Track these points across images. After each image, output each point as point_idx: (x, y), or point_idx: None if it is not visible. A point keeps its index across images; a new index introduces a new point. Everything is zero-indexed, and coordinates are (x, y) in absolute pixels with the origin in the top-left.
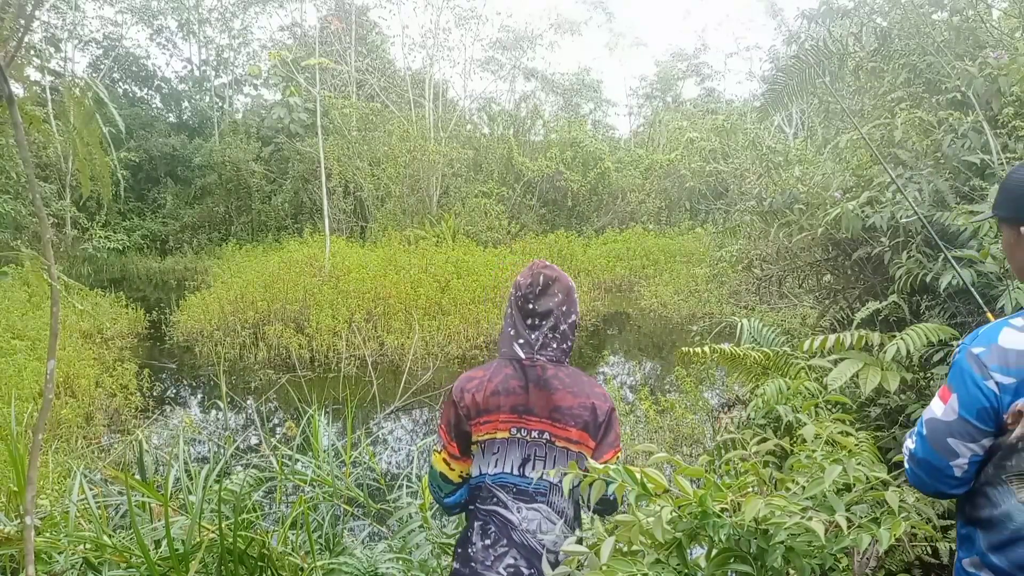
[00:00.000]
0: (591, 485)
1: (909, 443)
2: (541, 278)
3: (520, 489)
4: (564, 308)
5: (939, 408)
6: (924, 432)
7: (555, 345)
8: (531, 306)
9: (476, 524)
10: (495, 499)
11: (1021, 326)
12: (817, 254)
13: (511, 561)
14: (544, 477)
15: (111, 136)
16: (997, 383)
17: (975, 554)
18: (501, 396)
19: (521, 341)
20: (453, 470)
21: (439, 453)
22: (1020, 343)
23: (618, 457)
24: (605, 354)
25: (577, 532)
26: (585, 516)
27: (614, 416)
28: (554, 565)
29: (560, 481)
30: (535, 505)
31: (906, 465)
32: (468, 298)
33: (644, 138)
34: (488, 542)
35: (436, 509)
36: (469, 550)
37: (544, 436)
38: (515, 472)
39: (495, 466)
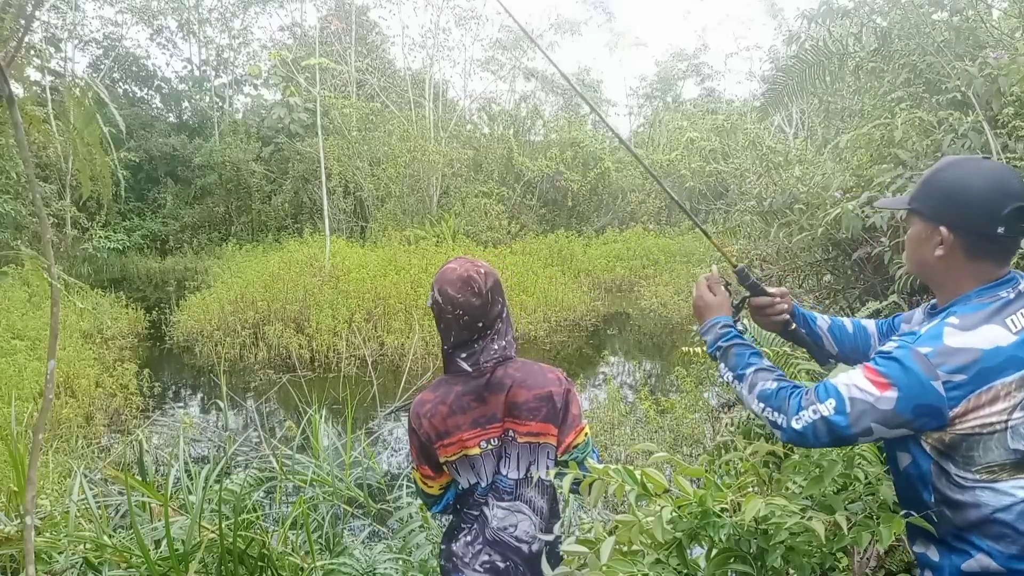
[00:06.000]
0: (581, 481)
1: (824, 408)
2: (489, 296)
3: (496, 487)
4: (499, 307)
5: (871, 393)
6: (848, 409)
7: (496, 346)
8: (480, 324)
9: (459, 521)
10: (478, 501)
11: (958, 324)
12: (817, 254)
13: (486, 558)
14: (530, 476)
15: (111, 136)
16: (944, 383)
17: (982, 553)
18: (458, 416)
19: (464, 355)
20: (431, 486)
21: (416, 471)
22: (965, 342)
23: (585, 433)
24: (605, 354)
25: (557, 527)
26: (586, 518)
27: (571, 396)
28: (529, 557)
29: (527, 475)
30: (503, 503)
31: (803, 423)
32: None
33: (644, 138)
34: (469, 539)
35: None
36: (452, 546)
37: (509, 434)
38: (495, 477)
39: (477, 478)
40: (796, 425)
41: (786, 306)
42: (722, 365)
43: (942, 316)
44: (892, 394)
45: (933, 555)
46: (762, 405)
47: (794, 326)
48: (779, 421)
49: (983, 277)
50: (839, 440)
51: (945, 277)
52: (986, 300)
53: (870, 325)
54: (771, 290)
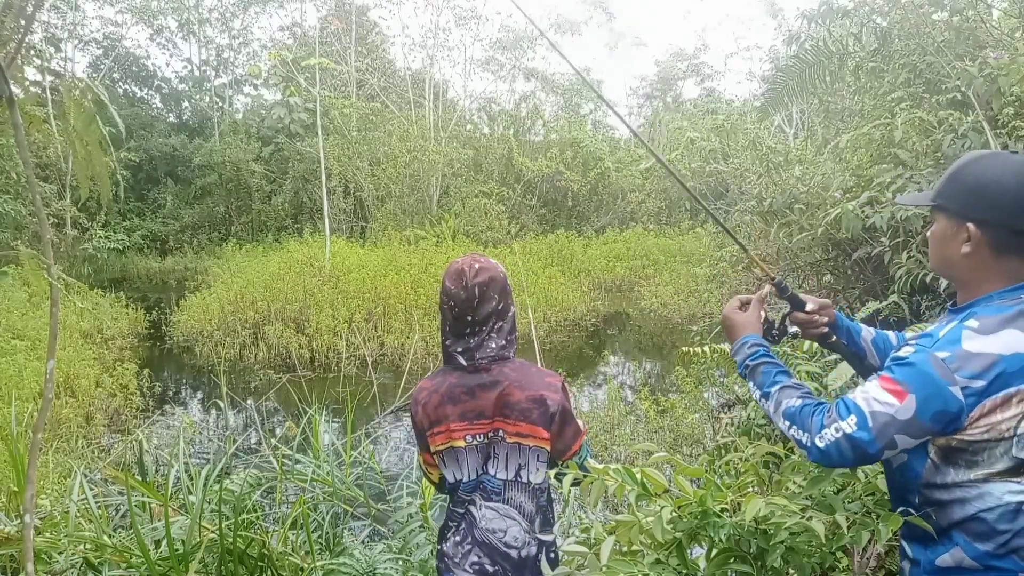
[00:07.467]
0: (581, 481)
1: (846, 425)
2: (476, 290)
3: (484, 487)
4: (501, 307)
5: (891, 404)
6: (869, 423)
7: (494, 344)
8: (469, 318)
9: (450, 521)
10: (466, 499)
11: (977, 328)
12: (817, 254)
13: (475, 559)
14: (520, 479)
15: (111, 136)
16: (963, 388)
17: (957, 548)
18: (448, 405)
19: (460, 349)
20: (432, 474)
21: (420, 455)
22: (984, 347)
23: (584, 440)
24: (605, 354)
25: (553, 531)
26: (585, 517)
27: (567, 405)
28: (518, 563)
29: (516, 477)
30: (492, 504)
31: (826, 441)
32: None
33: (644, 138)
34: (458, 539)
35: (436, 509)
36: (444, 546)
37: (498, 433)
38: (479, 475)
39: (461, 473)
40: (820, 444)
41: (826, 319)
42: (751, 384)
43: (961, 317)
44: (911, 402)
45: (908, 550)
46: (787, 423)
47: (834, 338)
48: (803, 440)
49: (1009, 275)
50: (864, 457)
51: (970, 275)
52: (1008, 303)
53: None
54: (810, 305)
